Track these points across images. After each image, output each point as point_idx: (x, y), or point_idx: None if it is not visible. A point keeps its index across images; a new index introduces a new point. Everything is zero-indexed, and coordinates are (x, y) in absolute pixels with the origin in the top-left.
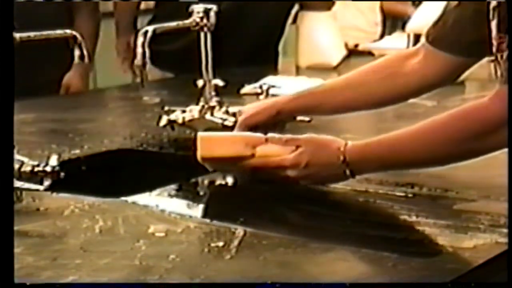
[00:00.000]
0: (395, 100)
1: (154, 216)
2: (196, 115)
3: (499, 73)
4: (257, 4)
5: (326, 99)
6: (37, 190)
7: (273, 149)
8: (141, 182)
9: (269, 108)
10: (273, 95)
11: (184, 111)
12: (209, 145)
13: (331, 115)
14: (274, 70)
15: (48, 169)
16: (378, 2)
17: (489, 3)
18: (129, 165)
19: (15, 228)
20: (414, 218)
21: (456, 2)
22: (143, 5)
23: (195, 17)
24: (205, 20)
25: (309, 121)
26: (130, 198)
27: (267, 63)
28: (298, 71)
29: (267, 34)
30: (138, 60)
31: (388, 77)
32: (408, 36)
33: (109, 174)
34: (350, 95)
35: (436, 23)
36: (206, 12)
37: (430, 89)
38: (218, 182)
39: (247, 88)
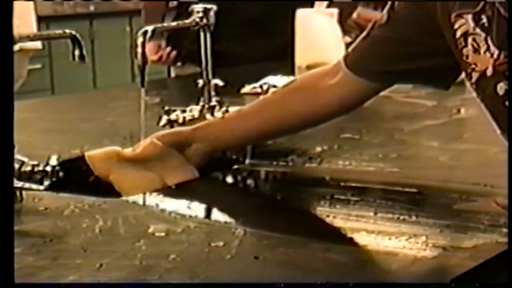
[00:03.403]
0: (312, 123)
1: (154, 216)
2: (196, 115)
3: (480, 96)
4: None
5: (238, 125)
6: (37, 190)
7: None
8: None
9: (178, 133)
10: None
11: (184, 111)
12: None
13: (247, 144)
14: (274, 70)
15: (48, 169)
16: None
17: (455, 31)
18: None
19: (15, 228)
20: (414, 218)
21: (377, 30)
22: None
23: (195, 17)
24: (205, 20)
25: None
26: (130, 198)
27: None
28: (298, 71)
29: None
30: (138, 60)
31: (306, 99)
32: None
33: None
34: (265, 119)
35: (355, 47)
36: (206, 12)
37: (347, 111)
38: (218, 182)
39: (247, 88)
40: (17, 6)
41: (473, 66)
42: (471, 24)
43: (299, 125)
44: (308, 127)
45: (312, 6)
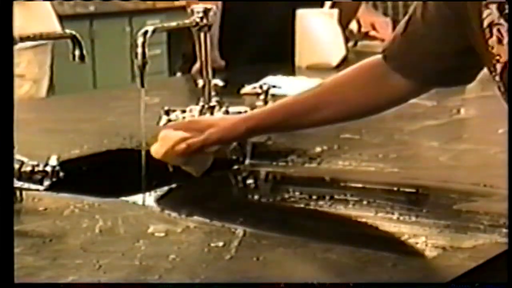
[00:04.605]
0: (370, 112)
1: (154, 216)
2: (196, 115)
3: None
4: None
5: (298, 111)
6: (37, 190)
7: None
8: (141, 182)
9: (237, 124)
10: (273, 95)
11: (184, 111)
12: None
13: (306, 128)
14: (274, 70)
15: (48, 169)
16: None
17: (482, 20)
18: (129, 165)
19: (15, 228)
20: (414, 218)
21: (412, 25)
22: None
23: (195, 17)
24: (205, 20)
25: None
26: (130, 198)
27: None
28: (298, 71)
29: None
30: (138, 60)
31: (361, 89)
32: None
33: (109, 174)
34: (324, 105)
35: (395, 43)
36: (206, 12)
37: (400, 103)
38: (218, 182)
39: (247, 88)
40: (36, 6)
41: (497, 57)
42: (496, 13)
43: (355, 114)
44: (364, 116)
45: (322, 6)
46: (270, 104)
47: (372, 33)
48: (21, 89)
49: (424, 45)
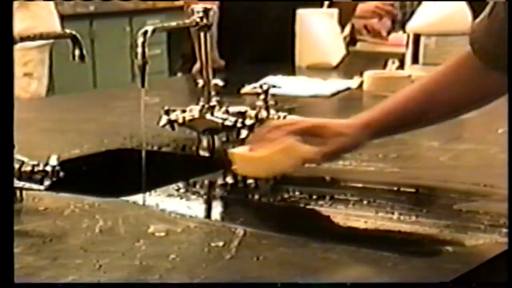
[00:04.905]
0: (470, 109)
1: (154, 216)
2: (196, 115)
3: None
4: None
5: (410, 116)
6: (37, 190)
7: None
8: (141, 182)
9: (358, 134)
10: (273, 95)
11: (184, 111)
12: None
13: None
14: (274, 70)
15: (48, 169)
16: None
17: None
18: (129, 165)
19: (15, 228)
20: (414, 218)
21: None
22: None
23: (195, 17)
24: (204, 20)
25: None
26: (130, 198)
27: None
28: (298, 71)
29: (278, 33)
30: (138, 60)
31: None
32: (408, 36)
33: (109, 174)
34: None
35: (480, 27)
36: (206, 12)
37: (497, 97)
38: (218, 182)
39: (247, 88)
40: (40, 7)
41: None
42: None
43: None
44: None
45: (321, 6)
46: (379, 109)
47: (365, 35)
48: (30, 87)
49: (503, 29)
